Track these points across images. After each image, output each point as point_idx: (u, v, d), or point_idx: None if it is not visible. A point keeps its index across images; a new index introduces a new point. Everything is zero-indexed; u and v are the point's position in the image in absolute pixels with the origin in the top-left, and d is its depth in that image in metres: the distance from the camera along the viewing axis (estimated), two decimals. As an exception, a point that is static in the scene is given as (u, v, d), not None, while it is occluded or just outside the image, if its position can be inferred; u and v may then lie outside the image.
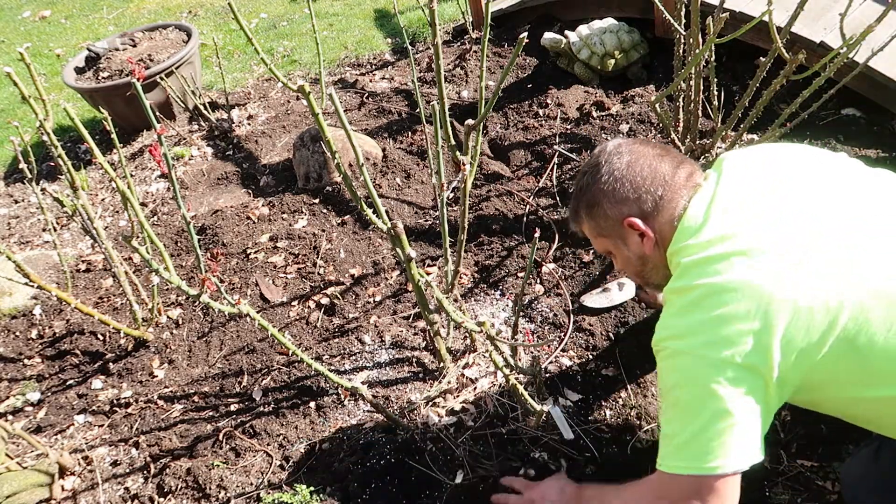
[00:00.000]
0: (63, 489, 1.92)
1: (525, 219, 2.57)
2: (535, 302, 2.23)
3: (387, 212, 2.72)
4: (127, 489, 1.88)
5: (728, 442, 1.06)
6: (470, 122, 1.51)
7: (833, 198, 1.16)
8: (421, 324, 2.22)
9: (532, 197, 2.68)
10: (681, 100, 2.52)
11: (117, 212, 3.29)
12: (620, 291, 2.14)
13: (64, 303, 2.22)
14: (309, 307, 2.39)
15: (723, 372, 1.06)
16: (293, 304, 2.43)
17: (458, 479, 1.68)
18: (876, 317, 1.04)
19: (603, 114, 3.12)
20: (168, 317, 2.46)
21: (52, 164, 2.21)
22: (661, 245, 1.30)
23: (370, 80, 4.02)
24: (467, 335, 2.08)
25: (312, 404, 2.00)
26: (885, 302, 1.05)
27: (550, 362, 1.99)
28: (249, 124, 3.82)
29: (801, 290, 1.05)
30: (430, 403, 1.92)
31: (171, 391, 2.17)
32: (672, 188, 1.27)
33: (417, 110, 3.42)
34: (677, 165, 1.30)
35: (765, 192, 1.18)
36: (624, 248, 1.36)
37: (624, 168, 1.30)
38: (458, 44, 4.23)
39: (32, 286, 2.05)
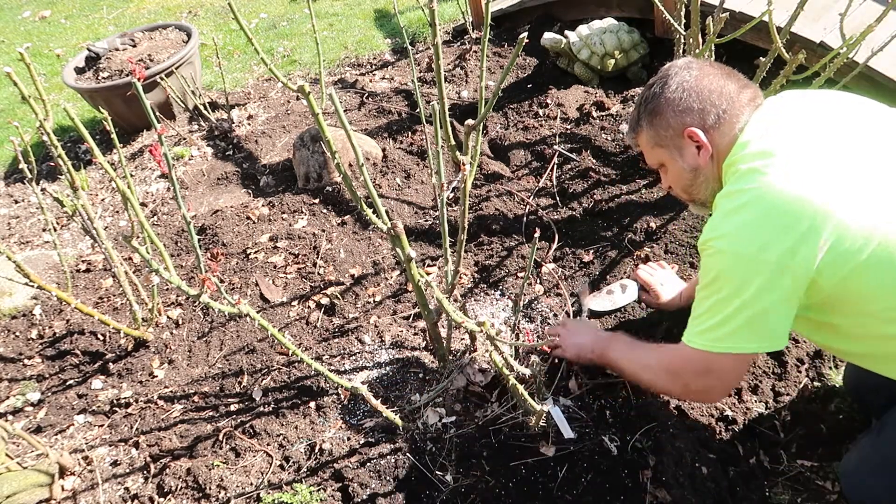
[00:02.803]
0: (63, 489, 1.92)
1: (525, 219, 2.57)
2: (535, 302, 2.23)
3: (387, 212, 2.72)
4: (127, 489, 1.88)
5: (748, 329, 1.22)
6: (470, 122, 1.51)
7: (885, 135, 1.26)
8: (421, 324, 2.22)
9: (532, 197, 2.68)
10: (681, 100, 2.52)
11: (117, 212, 3.29)
12: (623, 294, 2.14)
13: (64, 303, 2.22)
14: (309, 307, 2.39)
15: (758, 271, 1.16)
16: (293, 304, 2.43)
17: (458, 479, 1.68)
18: None
19: (603, 114, 3.12)
20: (168, 317, 2.46)
21: (52, 164, 2.21)
22: (716, 159, 1.35)
23: (370, 80, 4.02)
24: (468, 335, 2.08)
25: (312, 404, 2.00)
26: None
27: (551, 361, 1.99)
28: (249, 124, 3.82)
29: (846, 204, 1.13)
30: (430, 403, 1.92)
31: (171, 391, 2.17)
32: (736, 104, 1.33)
33: (417, 110, 3.42)
34: (743, 86, 1.36)
35: (822, 116, 1.28)
36: (678, 160, 1.40)
37: (692, 81, 1.35)
38: (458, 44, 4.23)
39: (32, 286, 2.05)
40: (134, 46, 3.94)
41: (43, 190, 3.36)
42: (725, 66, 1.40)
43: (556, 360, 1.92)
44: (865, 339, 1.26)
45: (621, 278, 2.22)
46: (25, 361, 2.40)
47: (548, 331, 1.91)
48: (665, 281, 2.07)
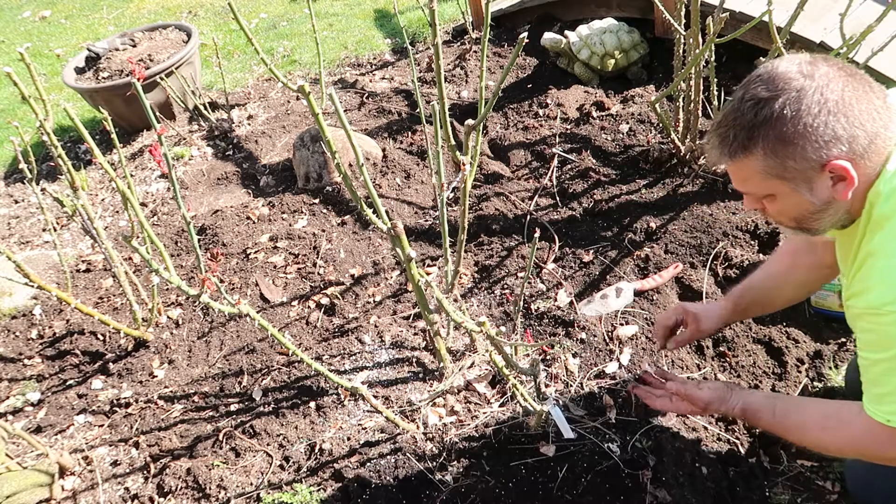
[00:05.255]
0: (63, 489, 1.92)
1: (525, 219, 2.57)
2: (535, 302, 2.22)
3: (387, 212, 2.72)
4: (127, 489, 1.88)
5: None
6: (470, 122, 1.51)
7: None
8: (421, 324, 2.22)
9: (532, 197, 2.68)
10: (681, 100, 2.52)
11: (117, 212, 3.29)
12: (618, 298, 2.13)
13: (64, 303, 2.22)
14: (309, 307, 2.39)
15: None
16: (293, 304, 2.43)
17: (458, 479, 1.68)
18: None
19: (603, 114, 3.12)
20: (168, 317, 2.46)
21: (52, 164, 2.21)
22: (857, 189, 1.08)
23: (370, 80, 4.02)
24: (468, 335, 2.08)
25: (312, 404, 2.00)
26: None
27: (551, 361, 1.99)
28: (249, 124, 3.82)
29: None
30: (430, 403, 1.92)
31: (171, 391, 2.17)
32: (885, 121, 1.05)
33: (417, 110, 3.42)
34: (881, 94, 1.07)
35: None
36: (802, 194, 1.09)
37: (836, 98, 1.02)
38: (458, 44, 4.23)
39: (32, 286, 2.05)
40: (134, 46, 3.94)
41: (43, 190, 3.36)
42: (848, 65, 1.08)
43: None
44: None
45: (620, 279, 2.22)
46: (25, 361, 2.40)
47: (665, 385, 1.53)
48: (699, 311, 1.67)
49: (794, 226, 1.18)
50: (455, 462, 1.73)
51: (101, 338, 2.43)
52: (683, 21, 2.31)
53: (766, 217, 1.25)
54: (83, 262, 2.90)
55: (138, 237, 1.63)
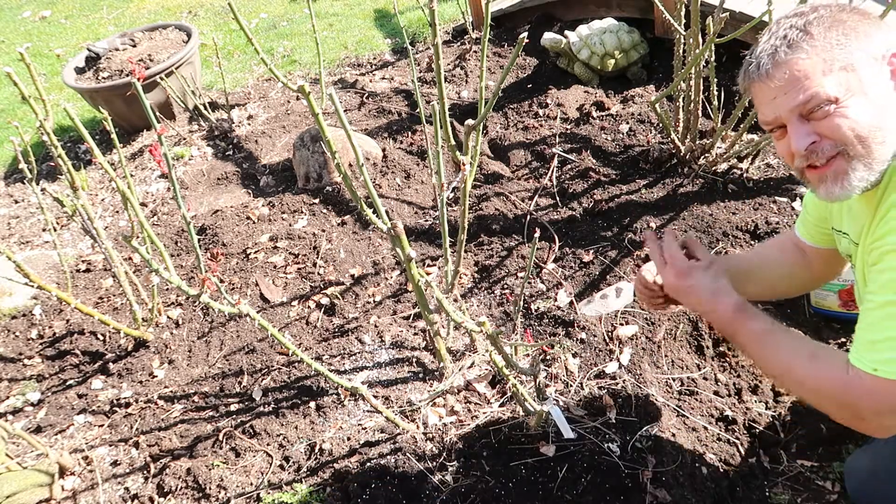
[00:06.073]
0: (63, 489, 1.92)
1: (525, 219, 2.57)
2: (535, 302, 2.22)
3: (387, 212, 2.72)
4: (127, 489, 1.88)
5: None
6: (470, 122, 1.51)
7: None
8: (421, 324, 2.22)
9: (532, 197, 2.68)
10: (681, 100, 2.52)
11: (117, 212, 3.29)
12: (618, 298, 2.13)
13: (64, 303, 2.22)
14: (309, 307, 2.39)
15: None
16: (293, 304, 2.43)
17: (458, 479, 1.68)
18: None
19: (603, 114, 3.12)
20: (168, 317, 2.46)
21: (52, 164, 2.21)
22: None
23: (370, 80, 4.02)
24: (468, 335, 2.08)
25: (312, 404, 2.00)
26: None
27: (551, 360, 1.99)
28: (249, 124, 3.82)
29: None
30: (430, 403, 1.92)
31: (171, 391, 2.17)
32: None
33: (417, 110, 3.42)
34: None
35: None
36: (872, 89, 1.00)
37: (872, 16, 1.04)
38: (458, 44, 4.23)
39: (32, 286, 2.05)
40: (134, 46, 3.94)
41: (43, 190, 3.36)
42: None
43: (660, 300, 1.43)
44: None
45: (620, 279, 2.22)
46: (25, 361, 2.40)
47: (664, 256, 1.28)
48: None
49: (860, 150, 1.02)
50: (455, 462, 1.73)
51: (101, 338, 2.43)
52: (683, 21, 2.31)
53: (822, 156, 1.05)
54: (83, 262, 2.90)
55: (138, 237, 1.63)
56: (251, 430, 1.95)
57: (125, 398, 2.18)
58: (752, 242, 2.25)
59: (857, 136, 1.01)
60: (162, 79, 3.56)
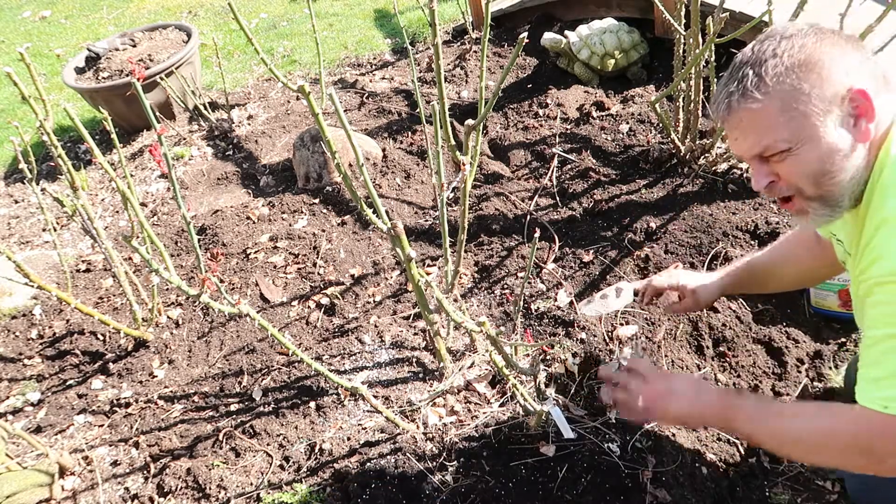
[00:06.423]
0: (63, 489, 1.92)
1: (525, 219, 2.57)
2: (535, 302, 2.22)
3: (387, 212, 2.72)
4: (127, 489, 1.88)
5: None
6: (470, 122, 1.51)
7: None
8: (421, 324, 2.22)
9: (532, 197, 2.68)
10: (681, 100, 2.52)
11: (117, 212, 3.29)
12: (618, 298, 2.12)
13: (64, 303, 2.22)
14: (309, 307, 2.39)
15: None
16: (293, 304, 2.43)
17: (458, 479, 1.68)
18: None
19: (603, 114, 3.12)
20: (168, 317, 2.46)
21: (52, 164, 2.21)
22: (871, 140, 1.02)
23: (370, 80, 4.02)
24: (468, 335, 2.08)
25: (312, 404, 2.00)
26: None
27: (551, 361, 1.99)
28: (249, 124, 3.82)
29: None
30: (430, 403, 1.92)
31: (171, 391, 2.17)
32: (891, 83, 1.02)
33: (417, 110, 3.42)
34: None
35: None
36: (826, 133, 1.00)
37: (846, 39, 1.03)
38: (458, 44, 4.23)
39: (32, 286, 2.05)
40: (134, 46, 3.94)
41: (43, 190, 3.36)
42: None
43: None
44: None
45: (620, 279, 2.22)
46: (25, 361, 2.40)
47: (614, 382, 1.30)
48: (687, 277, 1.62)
49: (813, 192, 1.05)
50: (455, 462, 1.73)
51: (101, 338, 2.43)
52: (683, 21, 2.31)
53: (779, 195, 1.09)
54: (83, 262, 2.90)
55: (138, 237, 1.63)
56: (251, 430, 1.95)
57: (125, 398, 2.18)
58: (752, 242, 2.25)
59: (809, 180, 1.04)
60: (162, 79, 3.56)
